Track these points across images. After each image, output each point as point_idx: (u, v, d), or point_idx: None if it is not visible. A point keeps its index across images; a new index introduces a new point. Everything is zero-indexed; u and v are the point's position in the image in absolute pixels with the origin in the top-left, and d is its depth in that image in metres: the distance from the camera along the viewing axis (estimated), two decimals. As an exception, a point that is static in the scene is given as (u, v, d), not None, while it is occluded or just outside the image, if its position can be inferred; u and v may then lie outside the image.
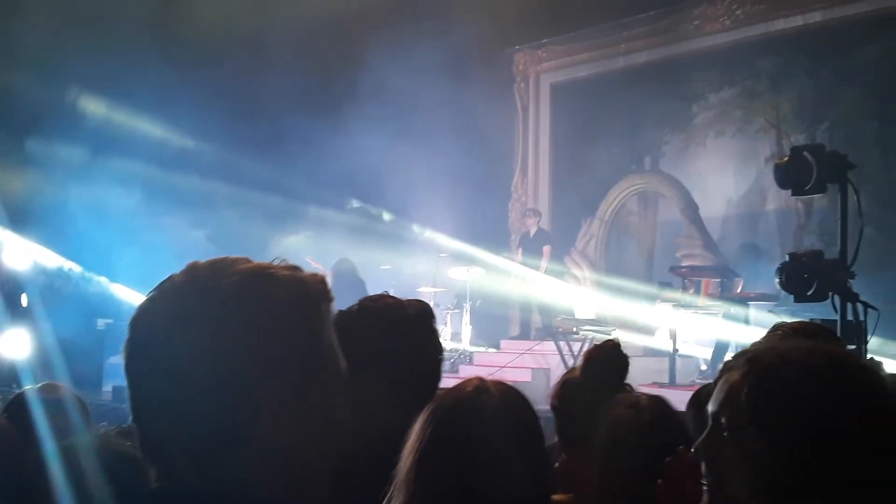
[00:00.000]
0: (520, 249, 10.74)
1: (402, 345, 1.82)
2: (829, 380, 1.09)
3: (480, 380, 1.59)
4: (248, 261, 1.00)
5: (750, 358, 1.16)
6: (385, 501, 1.47)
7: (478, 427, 1.47)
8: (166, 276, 1.00)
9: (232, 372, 0.93)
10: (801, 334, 2.18)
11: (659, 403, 1.97)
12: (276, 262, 1.03)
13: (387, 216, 11.38)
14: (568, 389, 2.14)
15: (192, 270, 0.99)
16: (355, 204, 11.52)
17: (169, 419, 0.94)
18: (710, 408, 1.18)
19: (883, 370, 4.71)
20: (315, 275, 1.04)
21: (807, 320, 2.71)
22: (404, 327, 1.86)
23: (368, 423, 1.55)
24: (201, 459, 0.94)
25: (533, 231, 10.57)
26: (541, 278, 10.23)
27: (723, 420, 1.15)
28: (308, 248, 11.25)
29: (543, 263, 10.29)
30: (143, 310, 0.98)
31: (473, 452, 1.45)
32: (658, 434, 1.83)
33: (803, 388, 1.08)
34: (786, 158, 4.38)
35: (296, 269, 1.03)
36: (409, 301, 1.97)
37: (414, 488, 1.44)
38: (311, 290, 1.01)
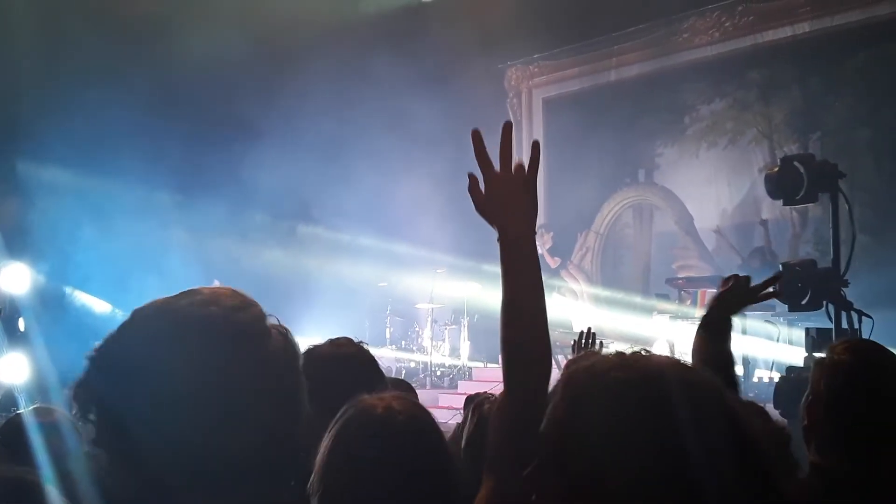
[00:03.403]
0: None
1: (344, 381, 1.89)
2: (641, 394, 1.04)
3: (389, 396, 1.68)
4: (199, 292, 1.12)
5: (568, 375, 1.12)
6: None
7: (370, 432, 1.57)
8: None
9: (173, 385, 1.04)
10: (851, 354, 2.07)
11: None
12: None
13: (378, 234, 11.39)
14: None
15: (157, 301, 1.13)
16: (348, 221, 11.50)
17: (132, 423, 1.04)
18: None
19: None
20: (254, 312, 1.12)
21: (857, 340, 2.67)
22: (348, 367, 1.99)
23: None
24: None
25: (548, 245, 10.63)
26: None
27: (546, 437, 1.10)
28: (290, 262, 11.20)
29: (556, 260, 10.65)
30: (116, 333, 1.11)
31: (368, 455, 1.54)
32: None
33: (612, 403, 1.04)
34: (776, 169, 4.40)
35: (240, 307, 1.11)
36: (341, 340, 2.07)
37: (321, 487, 1.54)
38: (246, 326, 1.10)
